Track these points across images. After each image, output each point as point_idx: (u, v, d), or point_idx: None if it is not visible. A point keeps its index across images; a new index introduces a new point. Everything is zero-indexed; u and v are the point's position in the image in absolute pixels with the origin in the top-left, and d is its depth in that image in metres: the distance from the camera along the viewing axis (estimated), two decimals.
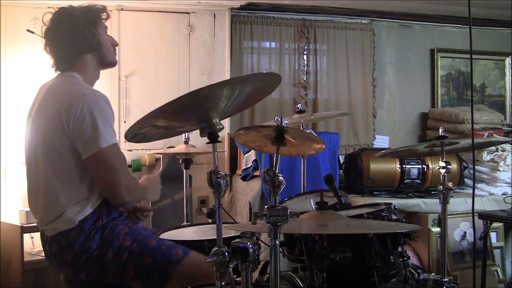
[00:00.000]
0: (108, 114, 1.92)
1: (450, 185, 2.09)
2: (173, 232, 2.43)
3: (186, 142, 2.88)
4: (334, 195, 2.23)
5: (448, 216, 2.48)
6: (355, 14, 4.62)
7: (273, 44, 4.49)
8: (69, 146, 1.90)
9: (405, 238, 1.92)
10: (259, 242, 1.55)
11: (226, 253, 1.45)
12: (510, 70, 5.29)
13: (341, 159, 3.99)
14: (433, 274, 2.02)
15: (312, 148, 2.06)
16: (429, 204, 3.53)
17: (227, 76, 4.17)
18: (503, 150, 3.93)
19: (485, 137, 3.96)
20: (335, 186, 2.26)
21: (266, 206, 1.46)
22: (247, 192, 3.80)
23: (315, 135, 2.13)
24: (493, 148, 3.92)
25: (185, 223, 2.94)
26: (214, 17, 4.16)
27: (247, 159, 3.83)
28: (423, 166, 3.77)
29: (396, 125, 4.94)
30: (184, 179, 2.96)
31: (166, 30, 4.04)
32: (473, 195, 2.41)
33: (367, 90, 4.73)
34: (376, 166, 3.71)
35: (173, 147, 3.57)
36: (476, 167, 3.91)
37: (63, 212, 1.90)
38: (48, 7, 3.43)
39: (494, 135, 4.24)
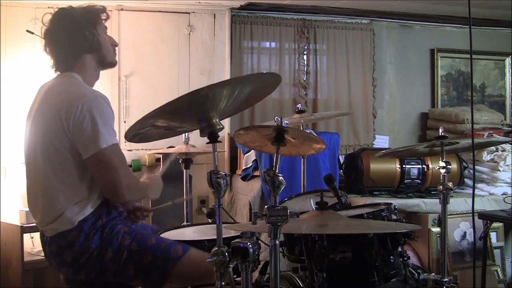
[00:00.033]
0: (108, 114, 1.92)
1: (450, 185, 2.08)
2: (173, 232, 2.43)
3: (186, 142, 2.88)
4: (334, 195, 2.23)
5: (448, 216, 2.48)
6: (355, 14, 4.63)
7: (273, 44, 4.49)
8: (69, 146, 1.89)
9: (405, 238, 1.92)
10: (259, 242, 1.55)
11: (226, 253, 1.45)
12: (510, 70, 5.30)
13: (341, 159, 3.99)
14: (433, 274, 2.02)
15: (312, 148, 2.06)
16: (429, 204, 3.53)
17: (227, 76, 4.17)
18: (503, 150, 3.93)
19: (485, 137, 3.96)
20: (335, 186, 2.26)
21: (266, 206, 1.46)
22: (247, 192, 3.80)
23: (315, 135, 2.13)
24: (493, 148, 3.92)
25: (185, 223, 2.94)
26: (214, 17, 4.16)
27: (247, 159, 3.83)
28: (423, 166, 3.77)
29: (396, 125, 4.94)
30: (184, 179, 2.96)
31: (166, 30, 4.04)
32: (473, 195, 2.41)
33: (367, 90, 4.73)
34: (376, 166, 3.71)
35: (173, 147, 3.57)
36: (476, 167, 3.91)
37: (63, 212, 1.90)
38: (48, 7, 3.44)
39: (494, 135, 4.24)
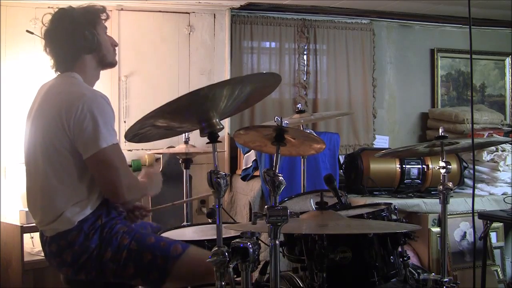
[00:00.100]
0: (109, 114, 1.92)
1: (450, 185, 2.08)
2: (173, 232, 2.43)
3: (186, 142, 2.88)
4: (334, 195, 2.24)
5: (448, 216, 2.48)
6: (355, 14, 4.63)
7: (273, 44, 4.49)
8: (69, 146, 1.89)
9: (405, 238, 1.92)
10: (259, 242, 1.55)
11: (226, 253, 1.45)
12: (510, 70, 5.30)
13: (341, 159, 3.99)
14: (433, 274, 2.02)
15: (312, 148, 2.06)
16: (429, 204, 3.53)
17: (227, 76, 4.17)
18: (503, 150, 3.93)
19: (485, 137, 3.96)
20: (335, 186, 2.26)
21: (266, 206, 1.46)
22: (247, 192, 3.80)
23: (315, 135, 2.14)
24: (493, 148, 3.92)
25: (185, 223, 2.94)
26: (214, 17, 4.16)
27: (247, 159, 3.83)
28: (423, 166, 3.77)
29: (396, 125, 4.94)
30: (184, 179, 2.96)
31: (166, 30, 4.04)
32: (473, 195, 2.41)
33: (367, 90, 4.73)
34: (376, 166, 3.71)
35: (173, 147, 3.57)
36: (476, 167, 3.91)
37: (63, 212, 1.90)
38: (48, 7, 3.44)
39: (494, 135, 4.24)
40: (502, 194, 3.82)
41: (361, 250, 1.85)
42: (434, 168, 3.73)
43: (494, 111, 4.75)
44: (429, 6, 4.55)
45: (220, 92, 1.48)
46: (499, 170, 3.87)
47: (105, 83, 3.52)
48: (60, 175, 1.92)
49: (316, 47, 4.57)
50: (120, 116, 3.87)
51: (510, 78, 5.30)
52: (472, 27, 1.91)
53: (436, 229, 3.50)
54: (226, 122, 4.04)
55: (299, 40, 4.54)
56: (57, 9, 2.05)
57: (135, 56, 3.95)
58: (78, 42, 2.00)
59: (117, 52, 2.17)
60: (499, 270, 3.67)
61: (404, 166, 3.73)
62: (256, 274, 1.86)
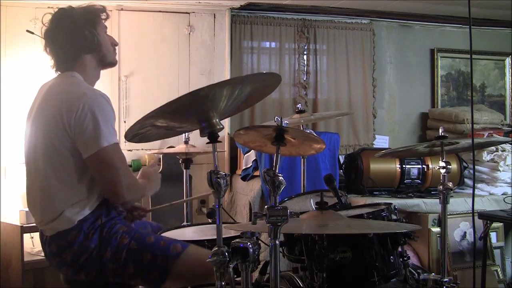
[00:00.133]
0: (109, 113, 1.92)
1: (450, 185, 2.08)
2: (173, 232, 2.43)
3: (186, 142, 2.88)
4: (334, 195, 2.23)
5: (448, 216, 2.48)
6: (355, 14, 4.63)
7: (273, 44, 4.49)
8: (69, 145, 1.89)
9: (405, 238, 1.92)
10: (259, 242, 1.55)
11: (226, 253, 1.45)
12: (510, 70, 5.30)
13: (341, 159, 3.99)
14: (433, 274, 2.02)
15: (312, 148, 2.06)
16: (429, 204, 3.53)
17: (227, 76, 4.17)
18: (503, 150, 3.93)
19: (485, 137, 3.96)
20: (335, 186, 2.26)
21: (266, 206, 1.46)
22: (247, 192, 3.80)
23: (315, 135, 2.14)
24: (493, 148, 3.92)
25: (185, 223, 2.94)
26: (214, 17, 4.16)
27: (247, 159, 3.83)
28: (423, 166, 3.77)
29: (396, 125, 4.94)
30: (184, 179, 2.96)
31: (166, 30, 4.04)
32: (473, 195, 2.41)
33: (367, 90, 4.73)
34: (376, 166, 3.71)
35: (173, 147, 3.57)
36: (476, 167, 3.91)
37: (62, 212, 1.90)
38: (48, 7, 3.44)
39: (494, 135, 4.24)
40: (502, 194, 3.82)
41: (361, 250, 1.85)
42: (434, 168, 3.73)
43: (494, 111, 4.75)
44: (429, 6, 4.55)
45: (220, 92, 1.48)
46: (499, 170, 3.87)
47: (105, 83, 3.51)
48: (60, 174, 1.92)
49: (316, 47, 4.57)
50: (120, 116, 3.87)
51: (510, 78, 5.30)
52: (472, 27, 1.91)
53: (436, 229, 3.50)
54: (226, 122, 4.04)
55: (299, 40, 4.54)
56: (57, 9, 2.05)
57: (135, 56, 3.95)
58: (78, 42, 2.00)
59: (117, 52, 2.17)
60: (499, 270, 3.67)
61: (404, 166, 3.73)
62: (256, 274, 1.86)
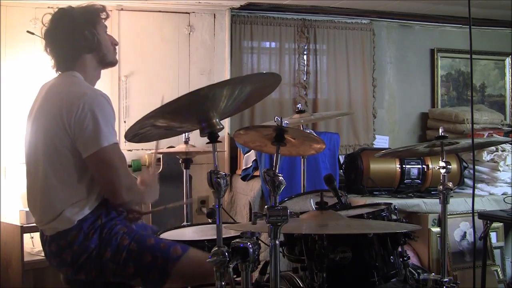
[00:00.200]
0: (109, 113, 1.92)
1: (450, 185, 2.08)
2: (173, 232, 2.43)
3: (186, 142, 2.88)
4: (334, 195, 2.23)
5: (448, 216, 2.48)
6: (355, 14, 4.63)
7: (273, 44, 4.49)
8: (69, 145, 1.89)
9: (405, 238, 1.92)
10: (259, 242, 1.55)
11: (226, 253, 1.45)
12: (510, 70, 5.29)
13: (341, 159, 3.99)
14: (433, 274, 2.02)
15: (312, 148, 2.06)
16: (429, 204, 3.53)
17: (227, 76, 4.17)
18: (503, 150, 3.93)
19: (485, 137, 3.96)
20: (335, 186, 2.26)
21: (266, 206, 1.46)
22: (247, 192, 3.80)
23: (315, 135, 2.14)
24: (493, 148, 3.92)
25: (185, 223, 2.94)
26: (214, 17, 4.16)
27: (247, 159, 3.83)
28: (423, 166, 3.77)
29: (396, 125, 4.94)
30: (184, 179, 2.96)
31: (166, 30, 4.04)
32: (473, 195, 2.41)
33: (367, 90, 4.73)
34: (376, 166, 3.71)
35: (173, 147, 3.57)
36: (476, 167, 3.91)
37: (62, 211, 1.90)
38: (48, 7, 3.44)
39: (494, 135, 4.24)
40: (502, 194, 3.82)
41: (361, 250, 1.85)
42: (434, 168, 3.73)
43: (494, 111, 4.75)
44: (429, 6, 4.55)
45: (220, 92, 1.48)
46: (499, 170, 3.87)
47: (105, 83, 3.50)
48: (60, 174, 1.92)
49: (316, 47, 4.57)
50: (120, 116, 3.87)
51: (510, 78, 5.30)
52: (472, 27, 1.91)
53: (436, 229, 3.50)
54: (226, 122, 4.04)
55: (299, 40, 4.54)
56: (57, 9, 2.05)
57: (135, 56, 3.95)
58: (78, 42, 2.00)
59: (117, 51, 2.17)
60: (499, 270, 3.67)
61: (404, 166, 3.73)
62: (256, 274, 1.86)
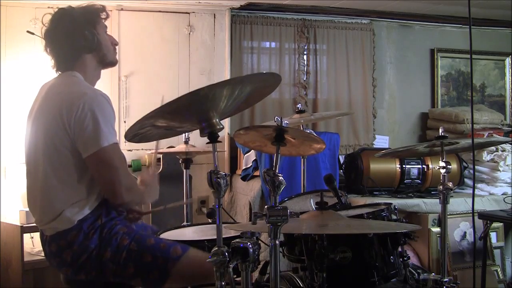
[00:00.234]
0: (109, 113, 1.92)
1: (450, 185, 2.08)
2: (173, 232, 2.43)
3: (186, 142, 2.88)
4: (334, 195, 2.23)
5: (448, 216, 2.48)
6: (355, 14, 4.63)
7: (273, 44, 4.49)
8: (69, 145, 1.90)
9: (405, 238, 1.92)
10: (259, 242, 1.55)
11: (226, 253, 1.45)
12: (510, 70, 5.29)
13: (341, 159, 3.99)
14: (433, 274, 2.02)
15: (312, 148, 2.06)
16: (429, 204, 3.53)
17: (227, 76, 4.17)
18: (503, 150, 3.93)
19: (485, 137, 3.96)
20: (335, 186, 2.25)
21: (266, 206, 1.46)
22: (247, 192, 3.80)
23: (315, 135, 2.14)
24: (493, 148, 3.92)
25: (185, 223, 2.94)
26: (214, 17, 4.16)
27: (247, 159, 3.83)
28: (423, 166, 3.77)
29: (396, 125, 4.94)
30: (184, 179, 2.96)
31: (166, 30, 4.04)
32: (473, 195, 2.41)
33: (367, 90, 4.73)
34: (376, 166, 3.71)
35: (173, 147, 3.57)
36: (476, 167, 3.91)
37: (62, 211, 1.90)
38: (48, 7, 3.44)
39: (494, 135, 4.24)
40: (502, 194, 3.82)
41: (361, 250, 1.85)
42: (434, 168, 3.73)
43: (494, 111, 4.75)
44: (429, 6, 4.55)
45: (220, 92, 1.48)
46: (499, 170, 3.87)
47: (105, 83, 3.50)
48: (60, 174, 1.92)
49: (316, 47, 4.57)
50: (120, 116, 3.87)
51: (510, 78, 5.30)
52: (472, 27, 1.91)
53: (436, 229, 3.50)
54: (226, 122, 4.04)
55: (299, 40, 4.54)
56: (57, 9, 2.05)
57: (135, 56, 3.95)
58: (78, 42, 2.00)
59: (117, 52, 2.17)
60: (499, 270, 3.67)
61: (404, 166, 3.73)
62: (256, 274, 1.86)
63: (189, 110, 1.51)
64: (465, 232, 3.59)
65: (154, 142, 2.33)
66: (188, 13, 4.10)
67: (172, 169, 3.73)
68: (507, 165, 3.90)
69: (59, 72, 2.06)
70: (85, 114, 1.86)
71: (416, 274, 2.11)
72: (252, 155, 3.76)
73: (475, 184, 3.65)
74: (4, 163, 3.57)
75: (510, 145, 3.94)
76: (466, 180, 3.94)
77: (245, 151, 3.87)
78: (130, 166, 3.77)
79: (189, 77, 4.08)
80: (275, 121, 1.62)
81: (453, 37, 5.07)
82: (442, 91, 5.07)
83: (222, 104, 1.51)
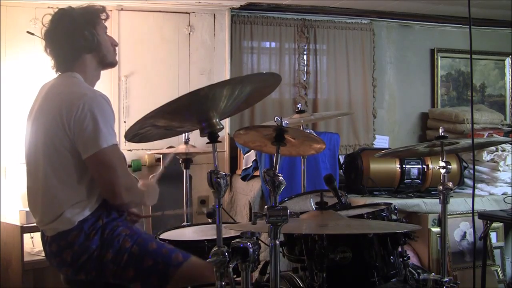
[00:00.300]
0: (109, 114, 1.92)
1: (450, 185, 2.09)
2: (173, 232, 2.43)
3: (186, 142, 2.88)
4: (334, 195, 2.23)
5: (448, 216, 2.48)
6: (355, 14, 4.63)
7: (273, 44, 4.49)
8: (69, 146, 1.90)
9: (405, 238, 1.92)
10: (259, 242, 1.55)
11: (226, 253, 1.45)
12: (510, 70, 5.29)
13: (341, 159, 3.99)
14: (433, 274, 2.02)
15: (312, 148, 2.06)
16: (429, 204, 3.53)
17: (227, 76, 4.17)
18: (503, 150, 3.93)
19: (485, 137, 3.96)
20: (335, 186, 2.26)
21: (266, 206, 1.46)
22: (247, 192, 3.80)
23: (315, 135, 2.14)
24: (493, 148, 3.92)
25: (185, 223, 2.94)
26: (214, 17, 4.16)
27: (247, 159, 3.83)
28: (423, 166, 3.77)
29: (396, 125, 4.94)
30: (184, 179, 2.96)
31: (166, 30, 4.04)
32: (473, 195, 2.41)
33: (367, 90, 4.73)
34: (376, 166, 3.71)
35: (173, 147, 3.57)
36: (476, 167, 3.91)
37: (63, 212, 1.90)
38: (48, 8, 3.44)
39: (494, 135, 4.24)
40: (502, 194, 3.82)
41: (361, 250, 1.85)
42: (434, 168, 3.73)
43: (494, 111, 4.75)
44: (429, 6, 4.55)
45: (220, 92, 1.48)
46: (499, 170, 3.87)
47: (105, 83, 3.50)
48: (60, 175, 1.92)
49: (316, 47, 4.57)
50: (120, 116, 3.87)
51: (510, 78, 5.30)
52: (472, 27, 1.91)
53: (436, 229, 3.50)
54: (226, 122, 4.04)
55: (299, 40, 4.54)
56: (57, 9, 2.06)
57: (135, 56, 3.95)
58: (78, 42, 2.00)
59: (117, 52, 2.17)
60: (499, 270, 3.67)
61: (404, 166, 3.73)
62: (256, 274, 1.86)
63: (189, 110, 1.51)
64: (465, 232, 3.59)
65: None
66: (188, 13, 4.10)
67: (172, 169, 3.72)
68: (507, 165, 3.90)
69: (59, 73, 2.06)
70: (84, 115, 1.86)
71: (416, 274, 2.11)
72: (252, 155, 3.76)
73: (475, 184, 3.65)
74: (4, 163, 3.57)
75: (510, 145, 3.94)
76: (466, 180, 3.94)
77: (245, 151, 3.87)
78: (130, 166, 3.77)
79: (189, 77, 4.08)
80: (275, 121, 1.62)
81: (453, 37, 5.07)
82: (442, 91, 5.07)
83: (222, 104, 1.51)
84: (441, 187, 2.08)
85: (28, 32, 3.43)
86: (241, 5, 4.16)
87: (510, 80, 5.30)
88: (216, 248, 1.47)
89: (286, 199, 2.60)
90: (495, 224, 3.61)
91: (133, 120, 1.54)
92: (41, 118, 1.97)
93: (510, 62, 5.28)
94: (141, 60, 3.97)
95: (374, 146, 4.67)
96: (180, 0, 3.95)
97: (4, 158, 3.55)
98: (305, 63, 4.57)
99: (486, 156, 3.95)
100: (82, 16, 2.02)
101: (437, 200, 2.15)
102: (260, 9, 4.37)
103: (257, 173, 3.73)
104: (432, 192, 3.73)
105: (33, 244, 3.47)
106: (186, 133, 2.84)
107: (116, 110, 3.60)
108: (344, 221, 1.80)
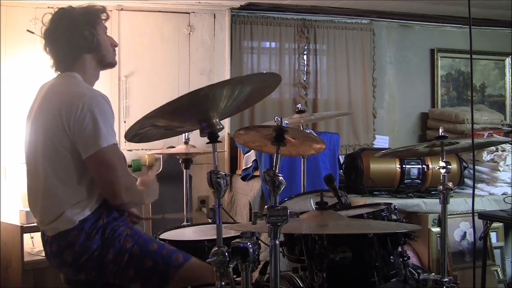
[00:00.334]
0: (108, 114, 1.92)
1: (450, 185, 2.09)
2: (173, 232, 2.43)
3: (186, 142, 2.88)
4: (334, 195, 2.23)
5: (448, 216, 2.48)
6: (355, 14, 4.63)
7: (273, 44, 4.49)
8: (69, 145, 1.90)
9: (405, 238, 1.92)
10: (259, 242, 1.55)
11: (226, 253, 1.45)
12: (510, 70, 5.29)
13: (341, 159, 3.99)
14: (433, 274, 2.02)
15: (312, 148, 2.06)
16: (429, 204, 3.53)
17: (227, 76, 4.17)
18: (503, 150, 3.93)
19: (485, 137, 3.96)
20: (335, 186, 2.25)
21: (266, 206, 1.46)
22: (247, 192, 3.80)
23: (315, 135, 2.13)
24: (493, 148, 3.92)
25: (185, 223, 2.94)
26: (214, 17, 4.16)
27: (247, 159, 3.83)
28: (423, 166, 3.77)
29: (396, 125, 4.94)
30: (184, 179, 2.96)
31: (166, 30, 4.04)
32: (473, 195, 2.41)
33: (367, 90, 4.73)
34: (376, 166, 3.71)
35: (173, 147, 3.57)
36: (476, 167, 3.91)
37: (63, 212, 1.90)
38: (48, 7, 3.44)
39: (494, 135, 4.24)
40: (502, 194, 3.82)
41: (361, 250, 1.85)
42: (434, 168, 3.73)
43: (494, 111, 4.75)
44: (429, 6, 4.55)
45: (220, 92, 1.48)
46: (499, 170, 3.87)
47: (105, 83, 3.51)
48: (60, 174, 1.92)
49: (316, 47, 4.57)
50: (120, 116, 3.87)
51: (510, 78, 5.30)
52: (472, 27, 1.91)
53: (436, 229, 3.49)
54: (226, 122, 4.04)
55: (299, 40, 4.54)
56: (57, 9, 2.06)
57: (135, 56, 3.95)
58: (78, 42, 2.00)
59: (117, 52, 2.17)
60: (499, 270, 3.67)
61: (404, 166, 3.73)
62: (256, 274, 1.86)
63: (189, 110, 1.51)
64: (465, 232, 3.59)
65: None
66: (188, 13, 4.09)
67: (172, 169, 3.73)
68: (507, 165, 3.90)
69: (58, 72, 2.06)
70: (84, 115, 1.86)
71: (416, 274, 2.10)
72: (252, 155, 3.76)
73: (475, 184, 3.65)
74: (4, 163, 3.56)
75: (510, 145, 3.94)
76: (466, 180, 3.94)
77: (245, 151, 3.86)
78: (130, 166, 3.76)
79: (189, 77, 4.08)
80: (275, 121, 1.61)
81: (453, 37, 5.06)
82: (442, 91, 5.07)
83: (222, 104, 1.51)
84: (441, 187, 2.08)
85: (28, 30, 3.44)
86: (241, 5, 4.16)
87: (510, 80, 5.30)
88: (216, 248, 1.47)
89: (286, 199, 2.60)
90: (495, 224, 3.60)
91: (133, 120, 1.54)
92: (41, 118, 1.97)
93: (510, 62, 5.28)
94: (141, 60, 3.97)
95: (374, 146, 4.67)
96: (180, 0, 3.95)
97: (4, 158, 3.55)
98: (305, 63, 4.57)
99: (486, 156, 3.95)
100: (82, 16, 2.02)
101: (437, 200, 2.15)
102: (260, 9, 4.37)
103: (257, 173, 3.73)
104: (432, 192, 3.73)
105: (33, 244, 3.47)
106: (186, 133, 2.84)
107: (116, 110, 3.61)
108: (344, 221, 1.80)
